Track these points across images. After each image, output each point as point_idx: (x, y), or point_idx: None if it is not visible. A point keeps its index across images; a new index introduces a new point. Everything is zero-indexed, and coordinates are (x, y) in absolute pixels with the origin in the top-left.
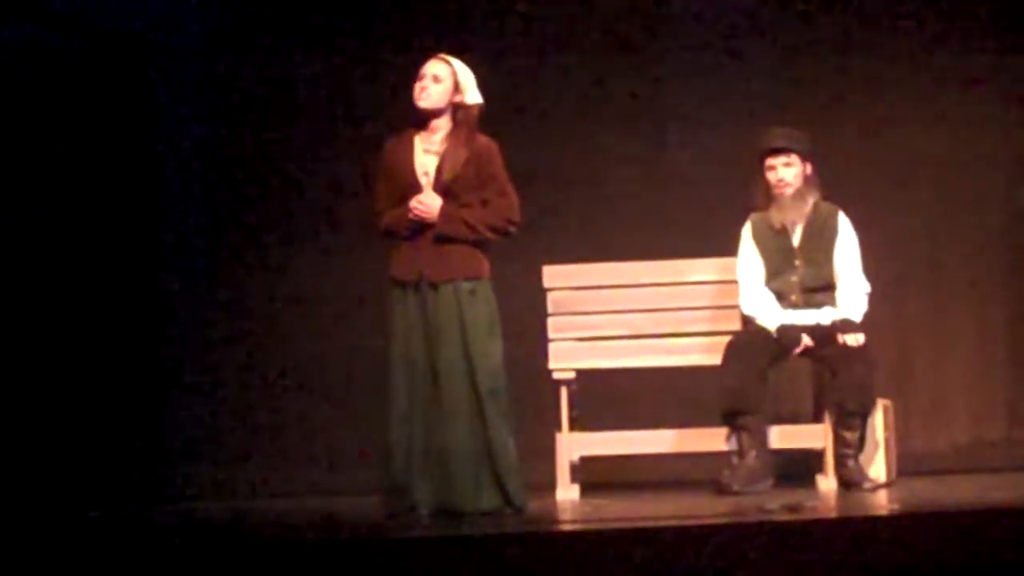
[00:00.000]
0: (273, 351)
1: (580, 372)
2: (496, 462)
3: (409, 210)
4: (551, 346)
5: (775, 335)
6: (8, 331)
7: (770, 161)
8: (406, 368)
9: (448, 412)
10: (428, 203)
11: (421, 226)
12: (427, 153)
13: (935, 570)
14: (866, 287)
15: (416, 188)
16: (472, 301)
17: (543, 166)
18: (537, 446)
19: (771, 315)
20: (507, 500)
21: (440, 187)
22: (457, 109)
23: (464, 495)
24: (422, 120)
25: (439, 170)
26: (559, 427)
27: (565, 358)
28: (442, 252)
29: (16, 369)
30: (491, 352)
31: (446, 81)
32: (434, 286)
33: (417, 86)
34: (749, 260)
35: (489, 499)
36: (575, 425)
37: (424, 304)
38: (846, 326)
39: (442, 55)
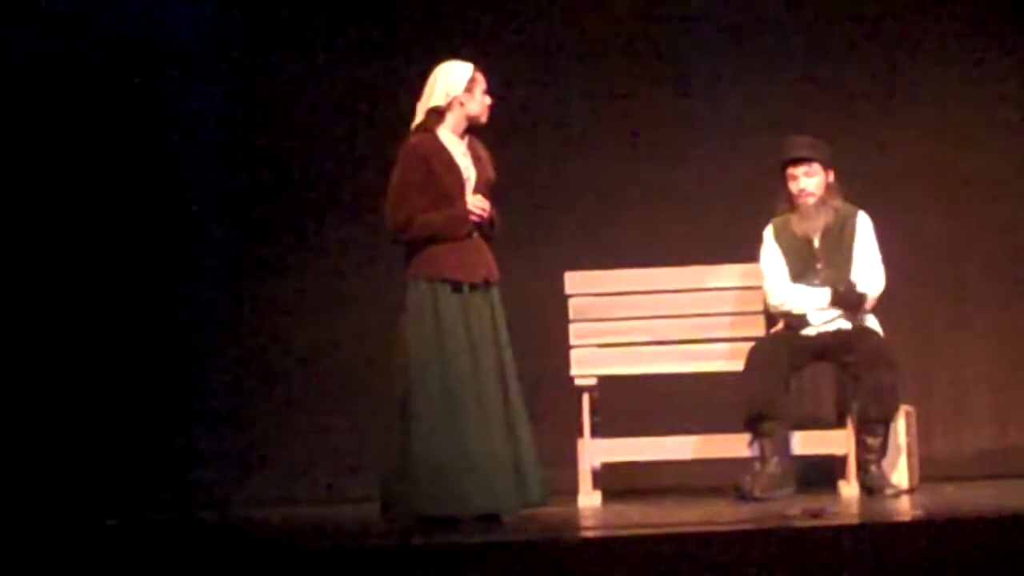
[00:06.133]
0: (291, 358)
1: (601, 378)
2: (524, 460)
3: (468, 212)
4: (572, 352)
5: (828, 307)
6: (28, 339)
7: (791, 171)
8: (443, 372)
9: (487, 415)
10: (486, 204)
11: (471, 228)
12: (463, 156)
13: None
14: (881, 276)
15: (463, 190)
16: (499, 303)
17: (562, 173)
18: (559, 452)
19: (801, 298)
20: (529, 495)
21: (482, 188)
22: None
23: (504, 497)
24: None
25: (481, 171)
26: (580, 433)
27: (587, 364)
28: (485, 253)
29: (35, 376)
30: (511, 353)
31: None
32: (483, 287)
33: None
34: (772, 259)
35: (521, 497)
36: (597, 431)
37: (466, 306)
38: (849, 292)
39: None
